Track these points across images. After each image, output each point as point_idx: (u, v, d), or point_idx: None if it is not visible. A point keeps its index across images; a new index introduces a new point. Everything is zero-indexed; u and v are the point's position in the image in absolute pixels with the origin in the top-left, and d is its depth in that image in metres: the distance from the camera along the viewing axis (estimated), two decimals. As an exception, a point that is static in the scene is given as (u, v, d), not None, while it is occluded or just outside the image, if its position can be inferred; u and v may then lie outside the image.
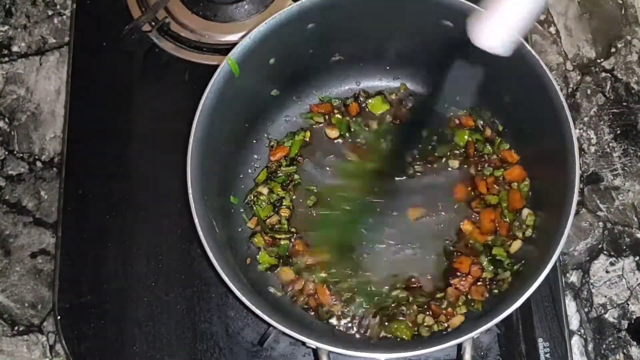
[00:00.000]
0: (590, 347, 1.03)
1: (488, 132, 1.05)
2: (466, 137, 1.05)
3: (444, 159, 1.05)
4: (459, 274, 0.97)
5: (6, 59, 1.20)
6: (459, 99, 1.06)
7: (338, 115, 1.08)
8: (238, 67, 0.92)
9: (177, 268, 1.05)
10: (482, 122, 1.06)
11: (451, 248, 1.00)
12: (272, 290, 0.99)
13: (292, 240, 1.02)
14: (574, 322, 1.04)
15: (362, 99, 1.08)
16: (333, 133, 1.08)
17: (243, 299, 0.83)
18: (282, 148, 1.06)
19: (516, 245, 0.98)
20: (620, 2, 1.22)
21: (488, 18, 0.80)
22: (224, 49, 1.00)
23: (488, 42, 0.80)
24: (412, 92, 1.10)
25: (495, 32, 0.80)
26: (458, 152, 1.05)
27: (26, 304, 1.07)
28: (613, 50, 1.20)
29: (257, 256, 1.01)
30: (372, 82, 1.11)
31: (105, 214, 1.08)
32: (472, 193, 1.03)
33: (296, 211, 1.04)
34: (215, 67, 0.91)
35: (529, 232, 0.98)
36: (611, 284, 1.06)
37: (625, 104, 1.16)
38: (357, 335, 0.97)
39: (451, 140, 1.05)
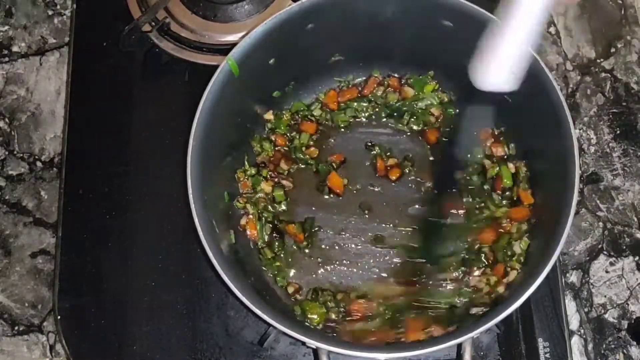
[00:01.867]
0: (590, 347, 1.03)
1: (512, 166, 1.03)
2: (495, 171, 1.02)
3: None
4: None
5: (6, 59, 1.20)
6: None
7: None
8: (238, 67, 0.92)
9: (177, 268, 1.05)
10: (509, 150, 1.04)
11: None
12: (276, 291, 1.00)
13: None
14: (573, 322, 1.04)
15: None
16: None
17: (243, 299, 0.83)
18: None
19: (513, 275, 0.96)
20: (620, 2, 1.23)
21: (487, 60, 0.79)
22: (224, 49, 1.00)
23: (493, 84, 0.79)
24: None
25: (498, 72, 0.79)
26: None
27: (26, 304, 1.07)
28: (613, 50, 1.20)
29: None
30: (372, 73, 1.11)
31: (105, 214, 1.08)
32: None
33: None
34: (215, 67, 0.91)
35: (522, 259, 0.97)
36: (611, 284, 1.06)
37: (624, 104, 1.16)
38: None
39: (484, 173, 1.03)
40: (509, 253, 0.97)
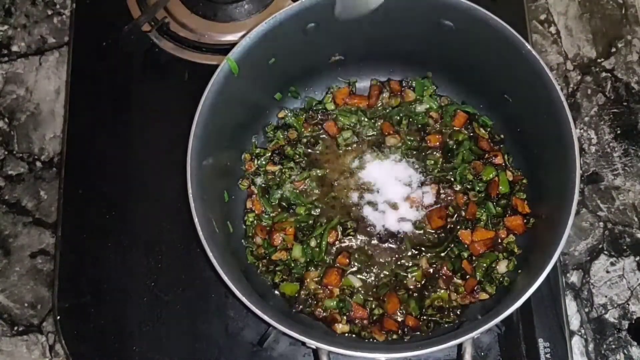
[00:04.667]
0: (590, 347, 1.03)
1: (510, 174, 1.03)
2: (492, 175, 1.03)
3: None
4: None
5: (6, 58, 1.20)
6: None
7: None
8: (238, 67, 0.92)
9: (176, 268, 1.05)
10: (508, 159, 1.04)
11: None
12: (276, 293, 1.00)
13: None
14: (574, 322, 1.04)
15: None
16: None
17: (243, 299, 0.83)
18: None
19: (482, 296, 0.97)
20: (621, 2, 1.22)
21: None
22: (224, 49, 1.00)
23: None
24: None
25: None
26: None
27: (26, 304, 1.06)
28: (613, 50, 1.20)
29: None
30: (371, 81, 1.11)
31: (105, 214, 1.08)
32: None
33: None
34: (215, 67, 0.91)
35: (504, 282, 0.97)
36: (612, 284, 1.06)
37: (625, 103, 1.16)
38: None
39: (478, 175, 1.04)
40: (491, 274, 0.98)
